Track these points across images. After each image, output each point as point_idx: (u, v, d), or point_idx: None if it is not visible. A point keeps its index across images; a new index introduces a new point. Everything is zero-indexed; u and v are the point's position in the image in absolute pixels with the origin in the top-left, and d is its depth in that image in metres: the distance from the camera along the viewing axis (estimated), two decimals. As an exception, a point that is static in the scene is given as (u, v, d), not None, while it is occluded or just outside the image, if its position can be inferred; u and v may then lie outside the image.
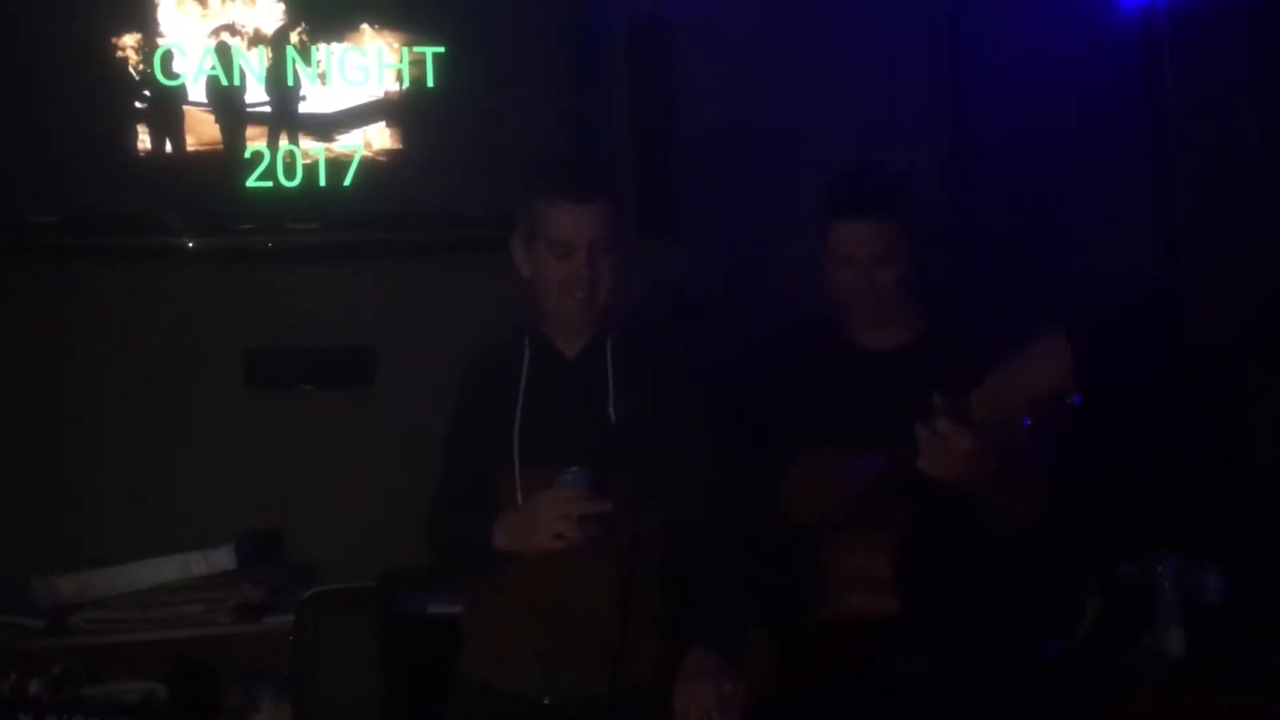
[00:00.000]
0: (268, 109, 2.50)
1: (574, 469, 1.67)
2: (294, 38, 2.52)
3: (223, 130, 2.49)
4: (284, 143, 2.51)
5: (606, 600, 1.73)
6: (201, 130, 2.48)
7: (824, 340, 1.96)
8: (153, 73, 2.45)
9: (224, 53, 2.49)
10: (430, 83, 2.55)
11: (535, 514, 1.68)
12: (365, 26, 2.54)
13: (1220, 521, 2.51)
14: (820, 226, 1.91)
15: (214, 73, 2.48)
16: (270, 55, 2.50)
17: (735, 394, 1.93)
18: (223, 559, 2.32)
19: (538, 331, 1.85)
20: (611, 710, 1.72)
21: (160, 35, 2.46)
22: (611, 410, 1.76)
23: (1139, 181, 2.78)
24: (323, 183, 2.50)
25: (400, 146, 2.54)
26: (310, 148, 2.51)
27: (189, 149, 2.47)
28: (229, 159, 2.48)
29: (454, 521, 1.84)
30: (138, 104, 2.45)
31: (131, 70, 2.45)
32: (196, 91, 2.48)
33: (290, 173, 2.50)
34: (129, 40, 2.45)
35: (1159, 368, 2.63)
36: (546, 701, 1.74)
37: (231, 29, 2.50)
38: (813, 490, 1.78)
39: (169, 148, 2.47)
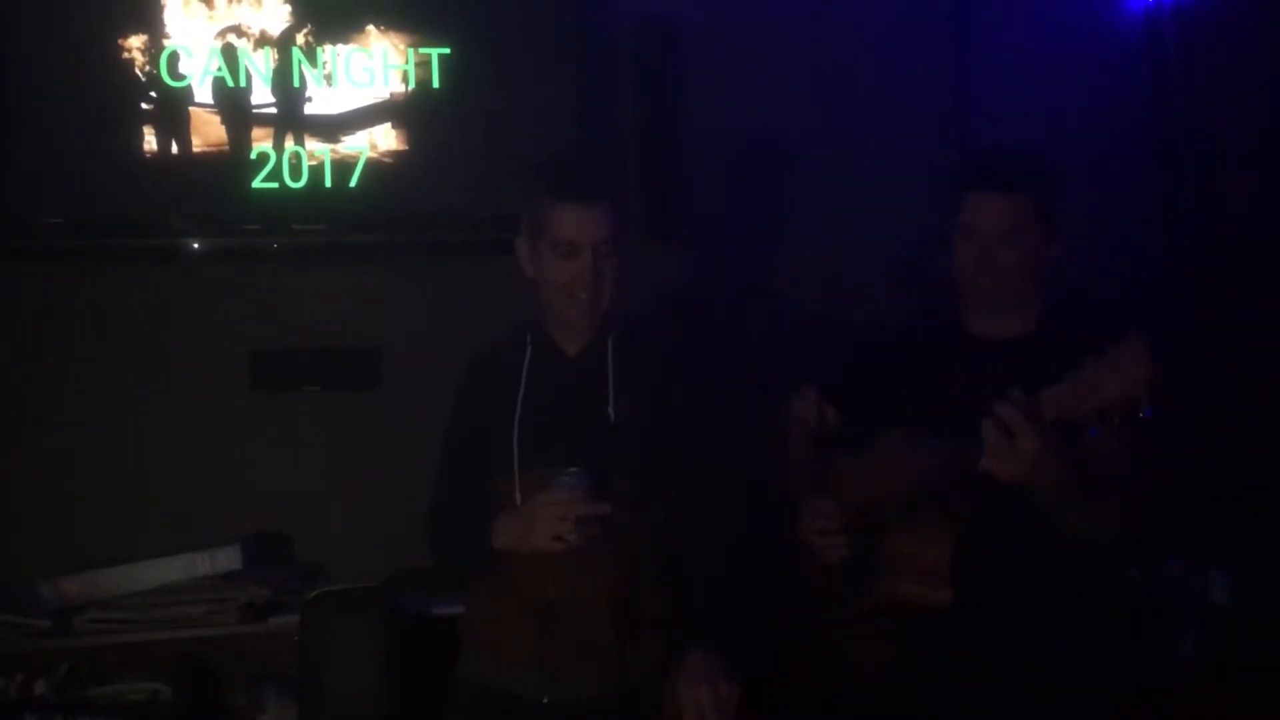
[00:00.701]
0: (273, 110, 2.51)
1: (573, 470, 1.66)
2: (300, 39, 2.52)
3: (228, 131, 2.49)
4: (290, 144, 2.51)
5: (604, 601, 1.73)
6: (207, 131, 2.49)
7: (939, 326, 1.90)
8: (159, 74, 2.46)
9: (230, 54, 2.49)
10: (436, 84, 2.55)
11: (533, 515, 1.68)
12: (371, 28, 2.54)
13: (1227, 523, 2.50)
14: (951, 201, 1.84)
15: (220, 74, 2.48)
16: (276, 56, 2.51)
17: (847, 370, 1.93)
18: (228, 559, 2.31)
19: (540, 330, 1.85)
20: (611, 710, 1.72)
21: (166, 37, 2.47)
22: (611, 410, 1.76)
23: (1146, 183, 2.77)
24: (328, 184, 2.51)
25: (406, 148, 2.55)
26: (316, 149, 2.51)
27: (195, 150, 2.48)
28: (235, 160, 2.49)
29: (452, 520, 1.84)
30: (144, 105, 2.46)
31: (138, 71, 2.46)
32: (203, 93, 2.48)
33: (296, 174, 2.50)
34: (135, 42, 2.46)
35: (1164, 369, 2.62)
36: (545, 701, 1.74)
37: (238, 30, 2.50)
38: (879, 474, 1.74)
39: (175, 149, 2.47)
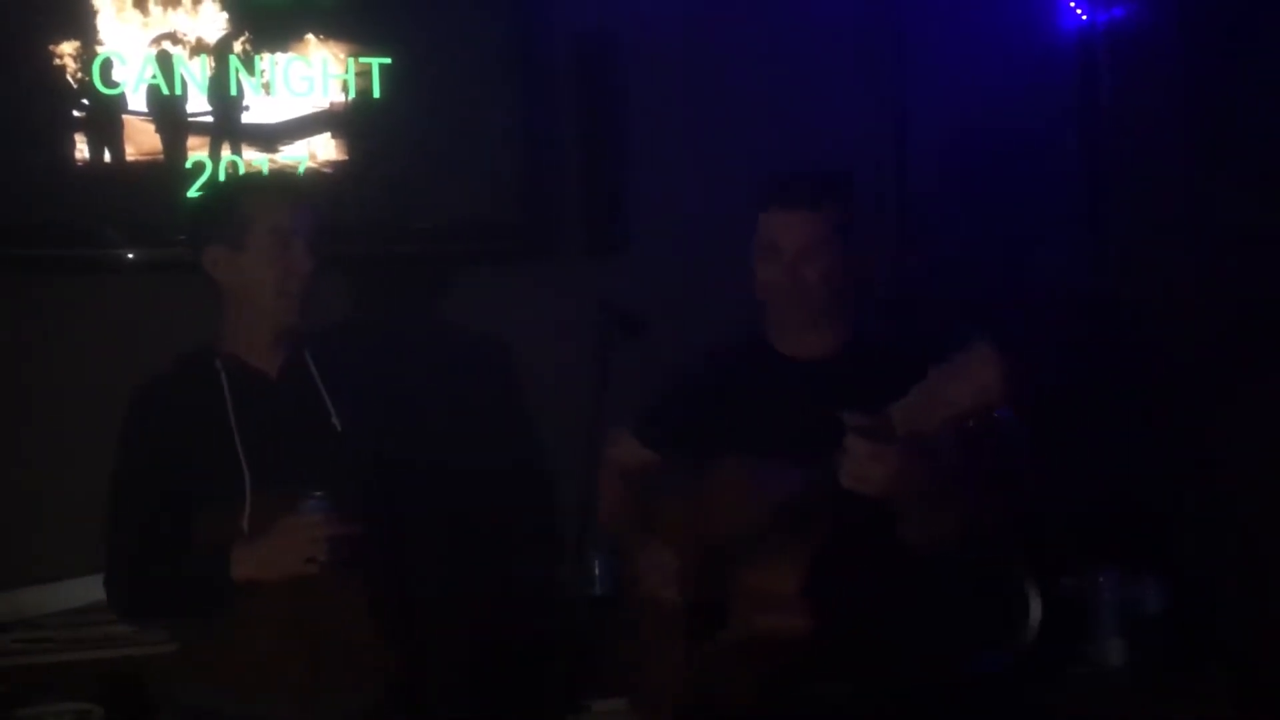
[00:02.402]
0: (210, 119, 2.47)
1: (317, 494, 1.67)
2: (237, 47, 2.49)
3: (163, 140, 2.45)
4: (226, 153, 2.48)
5: (361, 611, 1.75)
6: (141, 140, 2.45)
7: (747, 350, 1.88)
8: (92, 81, 2.41)
9: (165, 61, 2.45)
10: (376, 94, 2.53)
11: (282, 540, 1.67)
12: (310, 36, 2.52)
13: (1157, 532, 2.55)
14: (751, 221, 1.84)
15: (155, 81, 2.45)
16: (213, 64, 2.48)
17: (657, 408, 1.92)
18: (160, 576, 2.27)
19: (229, 355, 1.80)
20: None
21: (100, 43, 2.42)
22: (335, 421, 1.77)
23: (1077, 193, 2.83)
24: (266, 194, 2.48)
25: (345, 158, 2.53)
26: (254, 158, 2.48)
27: (129, 159, 2.44)
28: (170, 169, 2.45)
29: (161, 568, 1.76)
30: (76, 113, 2.41)
31: (69, 78, 2.41)
32: (137, 100, 2.44)
33: (233, 184, 2.47)
34: (67, 48, 2.41)
35: (1093, 379, 2.67)
36: None
37: (173, 37, 2.46)
38: (726, 506, 1.72)
39: (108, 157, 2.43)
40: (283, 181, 1.83)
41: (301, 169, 2.50)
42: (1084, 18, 2.85)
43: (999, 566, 2.19)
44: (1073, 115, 2.85)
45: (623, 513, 1.90)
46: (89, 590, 2.23)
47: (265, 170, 1.94)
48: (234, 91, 2.48)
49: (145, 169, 2.44)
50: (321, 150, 2.53)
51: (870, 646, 1.71)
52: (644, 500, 1.87)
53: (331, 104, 2.52)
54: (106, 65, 2.42)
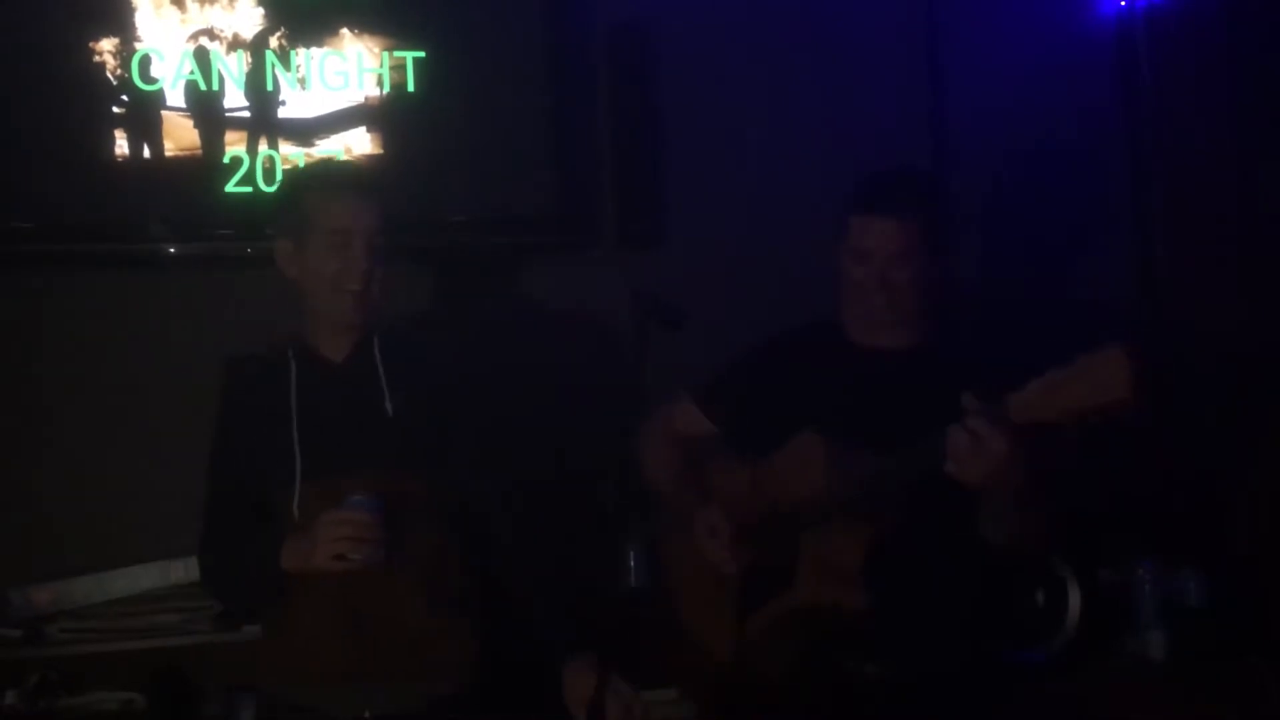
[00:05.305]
0: (247, 114, 2.49)
1: (360, 495, 1.67)
2: (273, 42, 2.51)
3: (201, 135, 2.47)
4: (264, 148, 2.49)
5: (418, 600, 1.74)
6: (180, 135, 2.47)
7: (821, 336, 1.92)
8: (130, 77, 2.43)
9: (202, 57, 2.47)
10: (411, 87, 2.54)
11: (316, 534, 1.67)
12: (345, 31, 2.53)
13: (1198, 525, 2.52)
14: (841, 221, 1.88)
15: (192, 77, 2.46)
16: (249, 60, 2.49)
17: (723, 382, 1.92)
18: (202, 567, 2.29)
19: (301, 341, 1.84)
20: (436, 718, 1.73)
21: (138, 40, 2.44)
22: (388, 405, 1.76)
23: (1118, 185, 2.80)
24: (303, 188, 2.49)
25: (381, 151, 2.54)
26: (290, 153, 2.50)
27: (167, 154, 2.46)
28: (208, 164, 2.46)
29: (233, 549, 1.80)
30: (115, 109, 2.43)
31: (109, 75, 2.43)
32: (175, 96, 2.46)
33: (270, 178, 2.49)
34: (106, 45, 2.43)
35: (1145, 375, 2.64)
36: (367, 714, 1.72)
37: (210, 33, 2.48)
38: (802, 477, 1.74)
39: (147, 153, 2.45)
40: (346, 179, 1.85)
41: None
42: (1122, 3, 2.81)
43: (1038, 557, 2.18)
44: (1112, 103, 2.81)
45: (673, 476, 1.92)
46: (133, 581, 2.26)
47: (328, 166, 1.97)
48: (270, 86, 2.50)
49: (183, 164, 2.46)
50: (357, 144, 2.54)
51: (923, 632, 1.71)
52: (699, 466, 1.89)
53: (367, 98, 2.53)
54: (145, 61, 2.44)
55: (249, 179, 2.48)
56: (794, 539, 1.74)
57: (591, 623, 1.76)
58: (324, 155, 2.46)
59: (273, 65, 2.50)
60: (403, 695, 1.73)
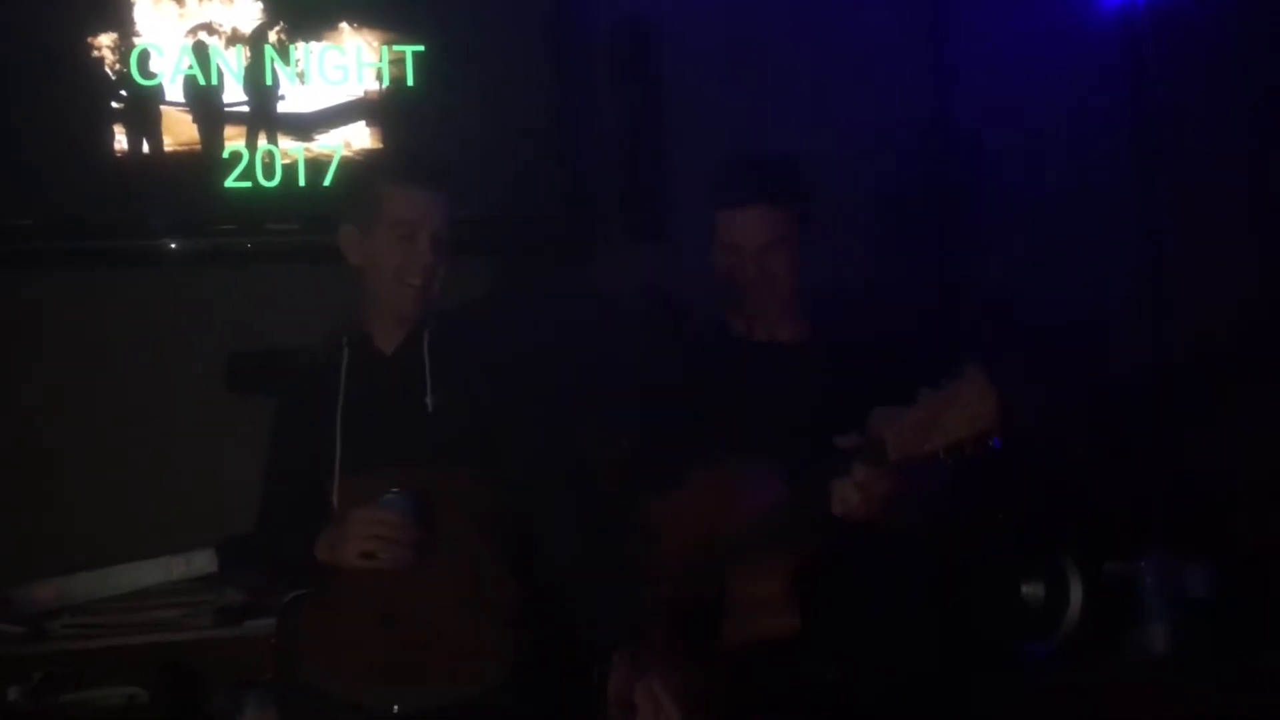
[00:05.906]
0: (246, 109, 2.48)
1: (395, 491, 1.65)
2: (272, 36, 2.50)
3: (200, 130, 2.47)
4: (263, 142, 2.49)
5: (449, 595, 1.72)
6: (179, 130, 2.46)
7: (714, 341, 1.85)
8: (129, 73, 2.43)
9: (201, 52, 2.46)
10: (410, 82, 2.53)
11: (347, 530, 1.67)
12: (344, 25, 2.52)
13: (1202, 518, 2.51)
14: (708, 216, 1.82)
15: (191, 72, 2.46)
16: (248, 54, 2.48)
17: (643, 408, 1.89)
18: (204, 562, 2.30)
19: (356, 330, 1.83)
20: (465, 717, 1.71)
21: (137, 35, 2.44)
22: (429, 400, 1.75)
23: (1124, 182, 2.78)
24: (302, 183, 2.49)
25: (380, 146, 2.53)
26: (289, 148, 2.49)
27: (166, 149, 2.45)
28: (207, 159, 2.46)
29: (276, 538, 1.81)
30: (114, 104, 2.43)
31: (108, 70, 2.43)
32: (174, 91, 2.45)
33: (269, 173, 2.48)
34: (105, 40, 2.43)
35: (1142, 366, 2.63)
36: (396, 710, 1.71)
37: (209, 28, 2.47)
38: (706, 511, 1.69)
39: (146, 148, 2.44)
40: (420, 171, 1.82)
41: (337, 158, 2.50)
42: (1127, -2, 2.79)
43: (1040, 551, 2.17)
44: (1118, 100, 2.80)
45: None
46: (136, 576, 2.27)
47: (403, 156, 1.95)
48: (269, 81, 2.49)
49: (182, 159, 2.45)
50: (356, 139, 2.53)
51: (857, 639, 1.69)
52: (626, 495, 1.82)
53: (366, 93, 2.53)
54: (144, 56, 2.44)
55: (248, 174, 2.47)
56: (718, 575, 1.68)
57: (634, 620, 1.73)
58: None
59: (272, 60, 2.49)
60: (433, 694, 1.72)
